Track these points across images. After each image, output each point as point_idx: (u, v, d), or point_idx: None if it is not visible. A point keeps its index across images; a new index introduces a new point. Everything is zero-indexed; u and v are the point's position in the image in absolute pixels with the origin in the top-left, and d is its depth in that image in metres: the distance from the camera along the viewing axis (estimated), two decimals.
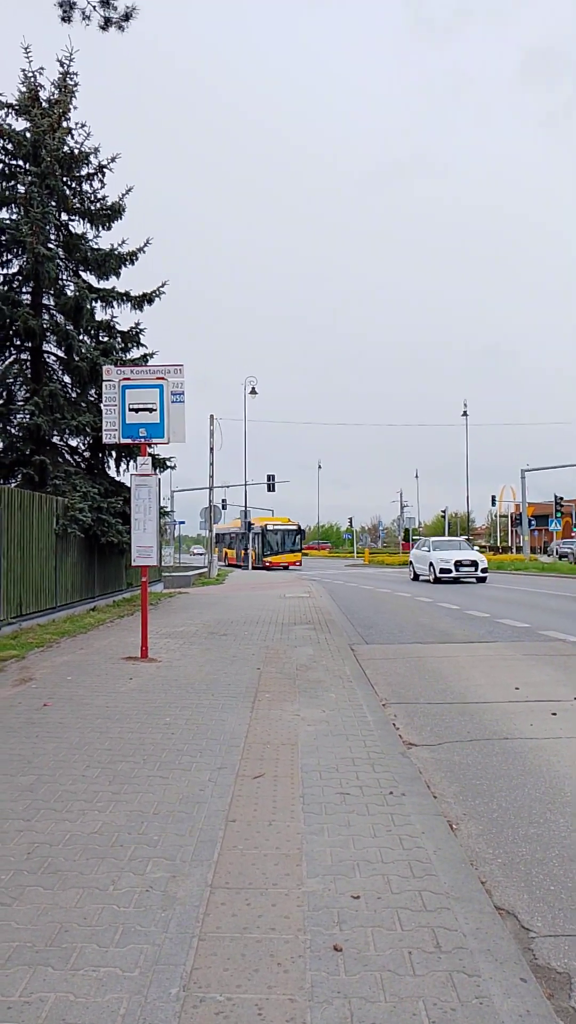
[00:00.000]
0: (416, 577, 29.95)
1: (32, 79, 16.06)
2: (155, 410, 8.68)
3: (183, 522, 61.23)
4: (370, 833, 3.61)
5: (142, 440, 8.84)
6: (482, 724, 6.12)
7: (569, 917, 3.03)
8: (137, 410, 8.68)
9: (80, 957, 2.51)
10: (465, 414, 52.98)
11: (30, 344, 15.75)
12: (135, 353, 16.85)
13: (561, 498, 48.71)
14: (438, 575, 26.63)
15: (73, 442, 16.67)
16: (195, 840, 3.52)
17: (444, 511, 65.83)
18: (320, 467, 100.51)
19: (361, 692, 7.01)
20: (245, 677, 7.67)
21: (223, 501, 53.83)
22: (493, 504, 71.85)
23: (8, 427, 15.27)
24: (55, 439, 16.17)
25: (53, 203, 15.64)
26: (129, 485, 9.99)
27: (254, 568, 45.18)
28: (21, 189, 15.44)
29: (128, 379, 8.85)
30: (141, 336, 16.82)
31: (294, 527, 47.97)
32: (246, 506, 48.39)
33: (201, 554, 77.07)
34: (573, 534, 57.88)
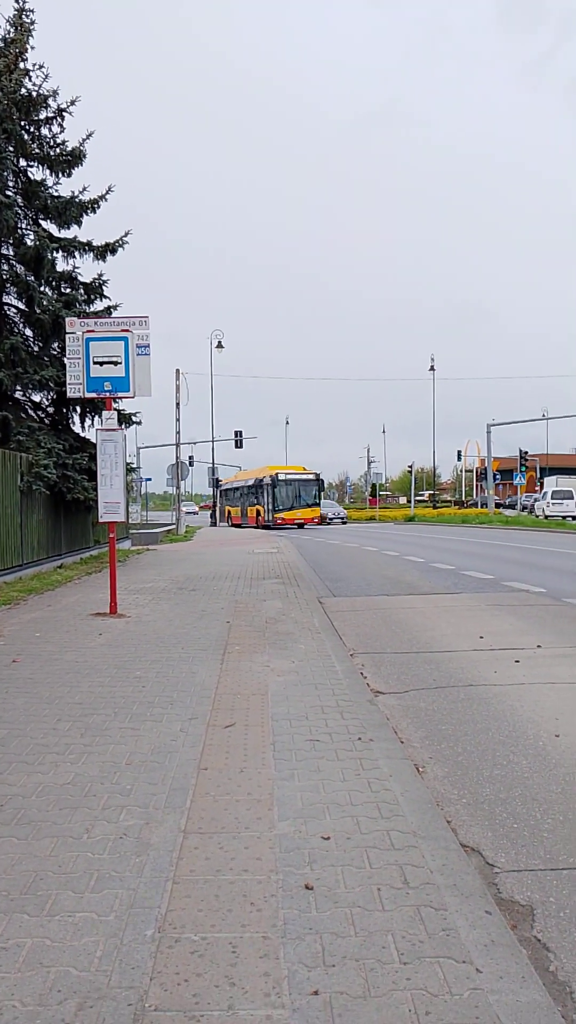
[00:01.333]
0: None
1: None
2: (120, 363, 8.52)
3: (149, 479, 57.10)
4: (339, 777, 3.68)
5: (107, 394, 8.71)
6: (447, 672, 6.25)
7: (531, 853, 3.14)
8: (102, 363, 8.52)
9: (55, 904, 2.55)
10: (432, 369, 53.02)
11: None
12: (99, 305, 16.47)
13: (526, 452, 49.22)
14: None
15: (36, 397, 16.35)
16: (167, 788, 3.56)
17: (411, 466, 66.25)
18: (288, 423, 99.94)
19: (329, 643, 7.09)
20: (214, 631, 7.72)
21: (190, 458, 50.48)
22: (459, 459, 72.50)
23: None
24: (17, 394, 15.85)
25: (11, 148, 15.05)
26: (95, 441, 9.84)
27: (261, 527, 39.20)
28: None
29: (92, 331, 8.66)
30: (104, 287, 16.43)
31: (311, 476, 40.14)
32: (213, 462, 48.03)
33: (193, 512, 73.55)
34: (537, 488, 58.68)
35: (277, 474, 39.18)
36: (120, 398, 8.85)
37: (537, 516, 43.14)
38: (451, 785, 3.89)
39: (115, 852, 2.92)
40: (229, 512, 48.28)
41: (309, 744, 4.18)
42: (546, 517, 41.52)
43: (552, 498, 43.39)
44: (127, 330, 8.69)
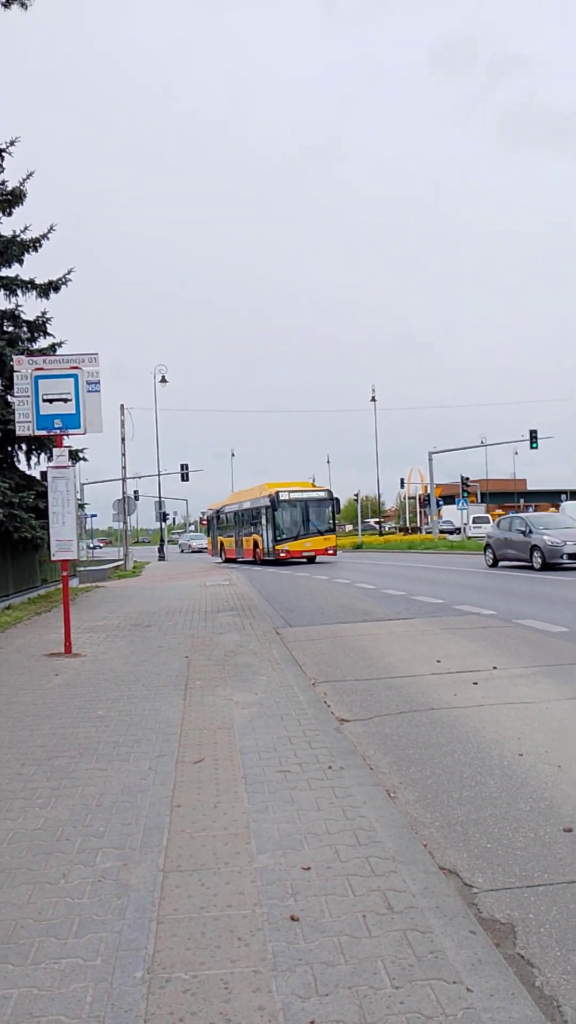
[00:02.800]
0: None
1: None
2: (70, 400, 8.48)
3: (95, 515, 56.15)
4: (314, 807, 3.70)
5: (58, 431, 8.64)
6: (408, 697, 6.32)
7: (507, 871, 3.20)
8: (51, 400, 8.46)
9: (39, 951, 2.50)
10: (373, 399, 53.85)
11: None
12: (43, 343, 16.38)
13: (467, 478, 50.26)
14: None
15: None
16: (142, 828, 3.52)
17: (356, 494, 66.93)
18: (233, 455, 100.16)
19: (290, 673, 7.11)
20: (174, 666, 7.66)
21: (135, 492, 49.65)
22: (402, 486, 73.58)
23: None
24: None
25: None
26: (39, 479, 9.74)
27: (261, 562, 30.69)
28: None
29: (41, 369, 8.62)
30: (48, 325, 16.36)
31: (321, 494, 31.19)
32: (160, 496, 47.35)
33: (203, 548, 55.09)
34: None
35: (278, 493, 29.27)
36: (71, 435, 8.81)
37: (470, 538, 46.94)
38: (423, 809, 3.94)
39: (95, 896, 2.88)
40: (222, 544, 38.47)
41: (280, 775, 4.18)
42: (468, 538, 46.11)
43: (473, 522, 50.41)
44: (77, 367, 8.68)
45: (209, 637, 9.62)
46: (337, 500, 31.91)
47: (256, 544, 32.21)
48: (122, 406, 34.28)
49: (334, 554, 31.05)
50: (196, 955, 2.44)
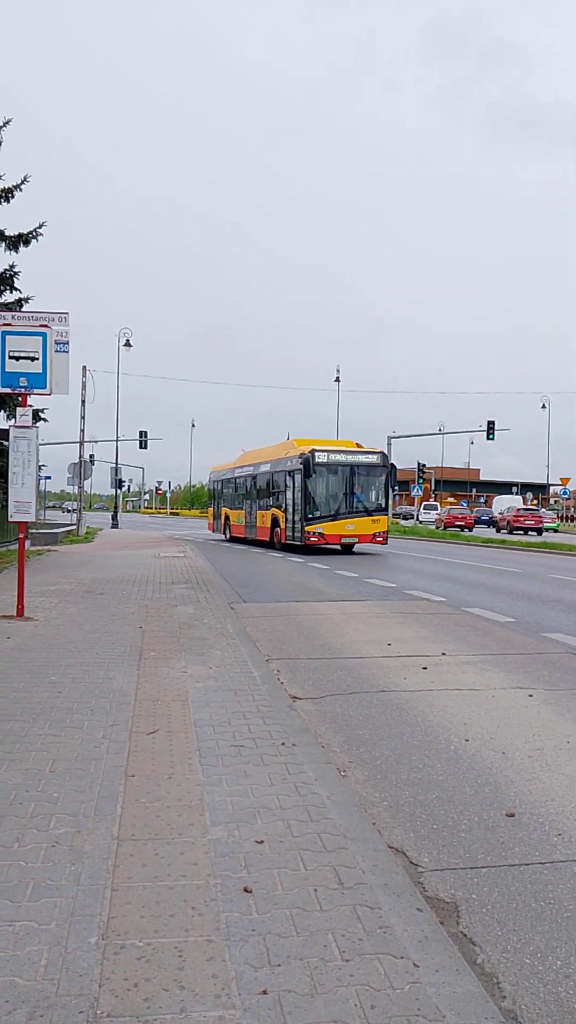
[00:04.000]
0: None
1: None
2: (37, 359, 8.30)
3: (49, 477, 54.81)
4: (267, 782, 3.76)
5: (23, 390, 8.47)
6: (360, 678, 6.43)
7: (452, 852, 3.31)
8: (17, 358, 8.29)
9: None
10: (338, 380, 53.87)
11: None
12: (9, 297, 16.02)
13: (424, 465, 50.80)
14: None
15: None
16: (96, 795, 3.54)
17: None
18: (194, 426, 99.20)
19: (245, 649, 7.16)
20: (128, 636, 7.64)
21: (91, 456, 48.71)
22: None
23: None
24: None
25: None
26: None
27: (282, 546, 23.39)
28: None
29: (9, 325, 8.42)
30: (16, 279, 15.98)
31: (371, 458, 23.00)
32: (117, 462, 46.57)
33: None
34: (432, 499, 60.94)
35: (313, 452, 21.71)
36: (36, 395, 8.65)
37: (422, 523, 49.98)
38: (372, 788, 4.04)
39: (49, 861, 2.89)
40: (227, 517, 30.36)
41: (234, 749, 4.23)
42: (420, 522, 49.94)
43: (423, 509, 53.74)
44: (46, 326, 8.51)
45: (163, 608, 9.62)
46: (393, 467, 23.78)
47: (276, 522, 23.95)
48: (84, 367, 33.68)
49: (384, 542, 22.54)
50: (150, 923, 2.48)
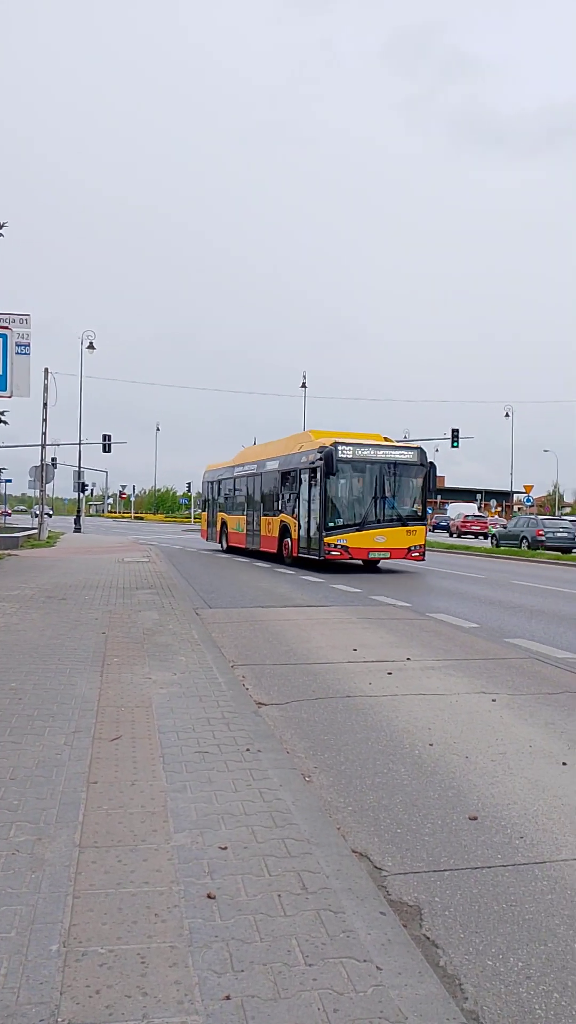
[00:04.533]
0: None
1: None
2: None
3: (10, 480, 53.86)
4: (231, 788, 3.74)
5: None
6: (325, 683, 6.44)
7: (415, 856, 3.32)
8: None
9: None
10: (304, 386, 54.04)
11: None
12: None
13: None
14: None
15: None
16: (57, 803, 3.50)
17: None
18: (159, 430, 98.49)
19: (210, 655, 7.13)
20: (91, 642, 7.56)
21: (53, 460, 47.83)
22: None
23: None
24: None
25: None
26: None
27: (293, 561, 19.49)
28: None
29: None
30: None
31: (409, 454, 18.81)
32: (80, 466, 46.06)
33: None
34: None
35: (336, 446, 17.62)
36: None
37: None
38: (337, 793, 4.04)
39: (8, 869, 2.85)
40: (224, 524, 26.35)
41: (199, 756, 4.21)
42: None
43: None
44: (6, 327, 8.40)
45: (127, 614, 9.54)
46: (433, 467, 18.74)
47: (286, 531, 19.95)
48: (46, 370, 33.27)
49: (421, 557, 18.42)
50: (113, 930, 2.45)
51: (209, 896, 2.69)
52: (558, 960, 2.56)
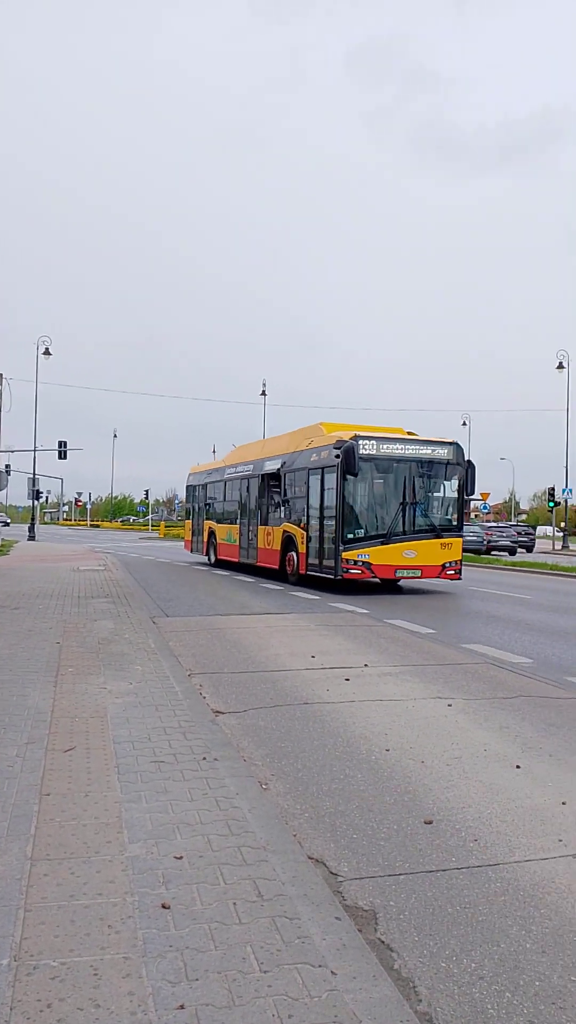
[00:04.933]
0: None
1: None
2: None
3: None
4: (187, 797, 3.72)
5: None
6: (283, 691, 6.44)
7: (370, 861, 3.34)
8: None
9: None
10: (264, 393, 54.10)
11: None
12: None
13: None
14: None
15: None
16: (9, 815, 3.43)
17: None
18: (116, 436, 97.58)
19: (166, 664, 7.08)
20: (44, 651, 7.45)
21: (7, 467, 46.81)
22: None
23: None
24: None
25: None
26: None
27: (299, 578, 16.35)
28: None
29: None
30: None
31: (442, 451, 15.37)
32: (35, 473, 45.27)
33: None
34: None
35: (356, 440, 14.47)
36: None
37: None
38: (294, 800, 4.04)
39: None
40: (212, 534, 23.13)
41: (154, 765, 4.18)
42: None
43: None
44: None
45: (82, 623, 9.42)
46: (472, 465, 15.51)
47: (290, 543, 16.70)
48: (0, 375, 32.79)
49: (457, 576, 15.38)
50: (65, 942, 2.42)
51: (164, 906, 2.67)
52: (510, 960, 2.60)
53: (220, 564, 22.31)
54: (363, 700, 6.13)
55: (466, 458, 15.56)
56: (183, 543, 28.71)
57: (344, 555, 14.34)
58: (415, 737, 5.16)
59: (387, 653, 8.31)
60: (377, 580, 15.79)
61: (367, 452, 14.46)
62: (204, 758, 4.33)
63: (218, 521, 22.80)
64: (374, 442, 14.75)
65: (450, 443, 15.55)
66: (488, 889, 3.10)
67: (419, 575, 15.04)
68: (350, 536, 14.47)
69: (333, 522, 14.70)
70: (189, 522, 26.55)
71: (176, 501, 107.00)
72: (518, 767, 4.58)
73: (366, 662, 7.69)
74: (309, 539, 15.74)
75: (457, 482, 15.44)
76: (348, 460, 14.02)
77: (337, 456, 14.31)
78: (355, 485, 14.68)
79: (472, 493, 15.69)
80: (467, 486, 15.40)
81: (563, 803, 4.01)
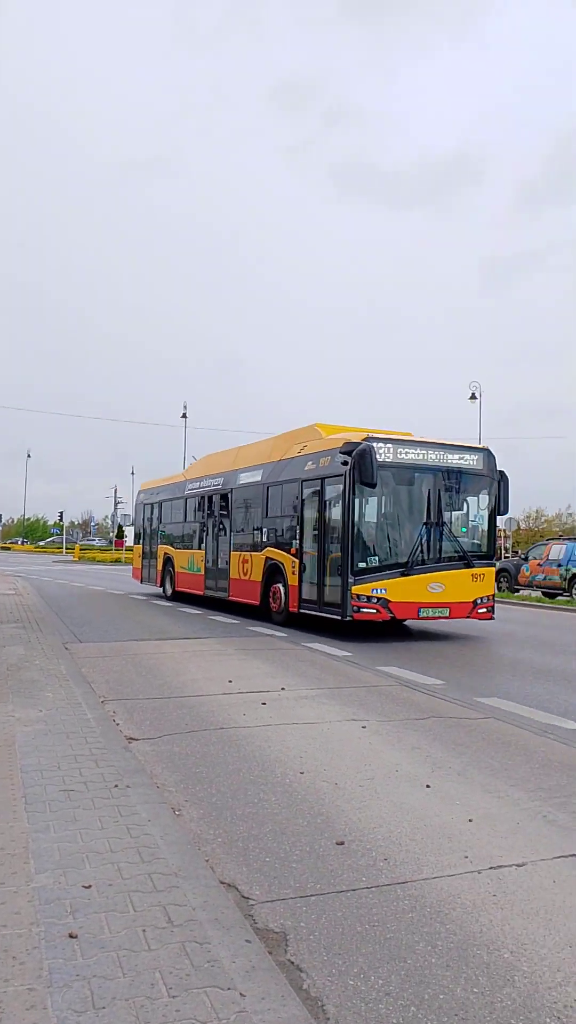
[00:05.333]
0: None
1: None
2: None
3: None
4: (98, 826, 3.66)
5: None
6: (199, 716, 6.41)
7: (282, 883, 3.36)
8: None
9: None
10: (184, 416, 53.95)
11: None
12: None
13: None
14: None
15: None
16: None
17: None
18: (29, 456, 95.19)
19: (79, 690, 6.94)
20: None
21: None
22: None
23: None
24: None
25: None
26: None
27: (288, 617, 13.00)
28: None
29: None
30: None
31: (471, 458, 12.36)
32: None
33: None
34: None
35: (369, 443, 11.36)
36: None
37: None
38: (207, 825, 4.03)
39: None
40: (170, 561, 19.36)
41: (63, 794, 4.09)
42: None
43: None
44: None
45: None
46: (505, 477, 12.74)
47: (276, 572, 13.62)
48: None
49: (489, 614, 12.40)
50: None
51: (71, 935, 2.62)
52: (416, 975, 2.66)
53: (179, 597, 18.50)
54: (279, 724, 6.16)
55: (496, 466, 12.61)
56: (131, 571, 24.77)
57: (354, 589, 11.27)
58: (329, 759, 5.21)
59: (304, 676, 8.37)
60: (398, 626, 12.98)
61: (383, 459, 11.52)
62: (116, 785, 4.27)
63: (177, 546, 19.03)
64: (390, 446, 11.71)
65: (481, 449, 12.72)
66: (397, 907, 3.16)
67: (447, 614, 11.89)
68: (362, 565, 11.44)
69: (338, 547, 11.75)
70: (139, 547, 22.52)
71: (92, 523, 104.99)
72: (428, 786, 4.69)
73: (283, 685, 7.73)
74: (303, 568, 12.66)
75: (488, 498, 12.54)
76: (363, 467, 11.17)
77: (345, 463, 11.48)
78: (368, 500, 11.83)
79: (505, 512, 12.84)
80: (500, 503, 12.53)
81: (470, 820, 4.13)
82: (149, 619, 14.35)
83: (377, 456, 11.24)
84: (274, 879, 3.40)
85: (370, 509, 11.97)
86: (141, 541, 22.26)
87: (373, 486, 11.32)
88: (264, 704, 6.85)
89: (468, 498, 12.50)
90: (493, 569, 12.92)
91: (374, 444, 11.36)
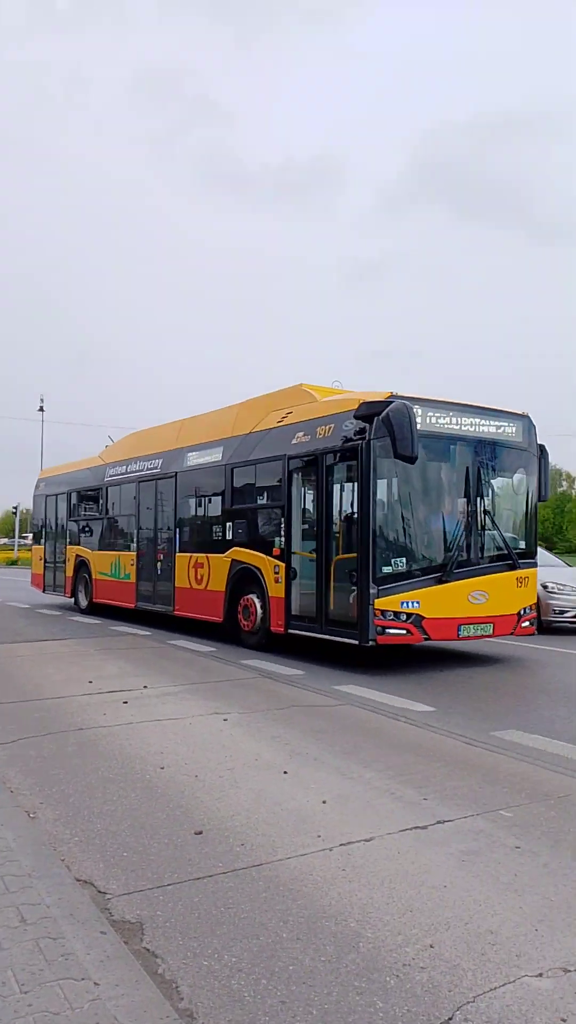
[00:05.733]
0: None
1: None
2: None
3: None
4: None
5: None
6: (57, 718, 6.29)
7: (140, 876, 3.40)
8: None
9: None
10: (41, 409, 52.08)
11: None
12: None
13: None
14: None
15: None
16: None
17: (16, 507, 63.61)
18: None
19: None
20: None
21: None
22: None
23: None
24: None
25: None
26: None
27: (271, 639, 9.96)
28: None
29: None
30: None
31: (511, 427, 9.42)
32: None
33: None
34: None
35: (398, 401, 8.11)
36: None
37: None
38: (63, 826, 4.00)
39: None
40: (84, 566, 15.53)
41: None
42: None
43: None
44: None
45: None
46: (545, 452, 9.76)
47: (250, 580, 10.36)
48: None
49: (533, 628, 9.57)
50: None
51: None
52: (267, 951, 2.79)
53: (98, 610, 14.98)
54: (141, 721, 6.16)
55: (537, 438, 9.82)
56: (30, 576, 20.18)
57: (378, 603, 8.31)
58: (190, 753, 5.28)
59: (167, 673, 8.38)
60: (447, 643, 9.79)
61: (423, 427, 8.49)
62: None
63: (94, 547, 15.31)
64: (419, 408, 8.55)
65: (521, 416, 9.72)
66: (251, 888, 3.28)
67: (490, 632, 9.14)
68: (387, 570, 8.49)
69: (350, 545, 8.92)
70: (40, 548, 18.50)
71: None
72: (285, 773, 4.85)
73: (146, 683, 7.71)
74: (292, 574, 9.56)
75: (527, 478, 9.73)
76: (400, 434, 8.09)
77: (361, 432, 8.46)
78: (393, 481, 8.76)
79: (546, 497, 10.00)
80: (542, 485, 9.83)
81: (323, 802, 4.32)
82: (6, 622, 13.83)
83: (406, 420, 8.07)
84: (131, 872, 3.44)
85: (394, 494, 8.83)
86: (41, 541, 18.48)
87: (413, 460, 8.23)
88: (126, 703, 6.81)
89: (508, 478, 9.74)
90: (536, 571, 9.76)
91: (399, 402, 8.21)
